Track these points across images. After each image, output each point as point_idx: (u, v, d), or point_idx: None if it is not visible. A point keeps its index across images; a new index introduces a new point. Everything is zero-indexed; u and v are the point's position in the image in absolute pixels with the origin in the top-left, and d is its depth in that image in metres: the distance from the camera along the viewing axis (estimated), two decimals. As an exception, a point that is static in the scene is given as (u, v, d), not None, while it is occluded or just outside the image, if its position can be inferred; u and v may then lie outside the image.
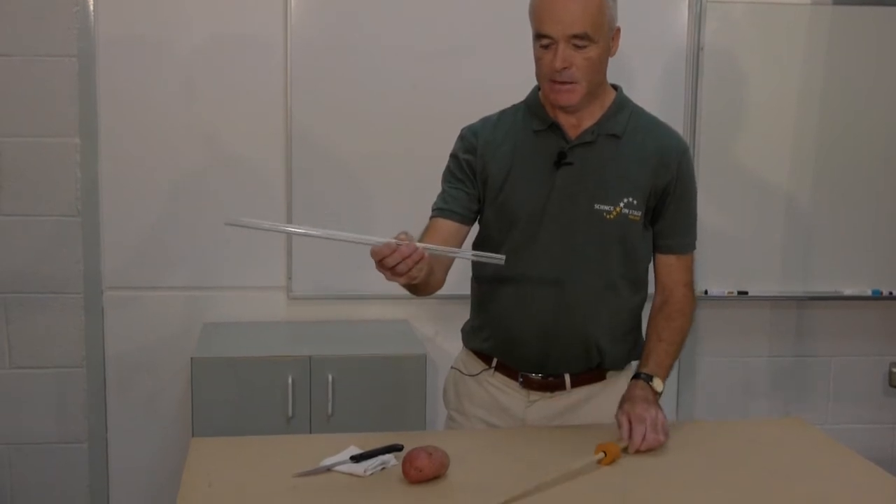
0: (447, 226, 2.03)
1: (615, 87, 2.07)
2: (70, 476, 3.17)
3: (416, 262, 1.71)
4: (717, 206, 3.17)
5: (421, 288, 1.92)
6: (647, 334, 2.08)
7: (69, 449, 3.16)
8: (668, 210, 2.04)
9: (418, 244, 1.71)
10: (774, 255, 3.32)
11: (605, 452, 1.81)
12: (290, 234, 1.73)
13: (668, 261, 2.08)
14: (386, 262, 1.70)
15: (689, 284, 2.10)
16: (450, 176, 2.08)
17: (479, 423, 2.12)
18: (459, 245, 2.05)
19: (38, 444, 3.14)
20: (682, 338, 2.07)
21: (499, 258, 1.84)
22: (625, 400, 1.94)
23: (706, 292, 3.26)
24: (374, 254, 1.70)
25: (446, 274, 2.01)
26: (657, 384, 1.97)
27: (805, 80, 3.24)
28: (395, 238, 1.71)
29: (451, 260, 1.99)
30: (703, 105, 3.21)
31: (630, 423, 1.87)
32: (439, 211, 2.05)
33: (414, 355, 2.88)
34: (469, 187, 2.05)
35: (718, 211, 3.18)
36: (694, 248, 2.10)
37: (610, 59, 1.99)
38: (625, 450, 1.85)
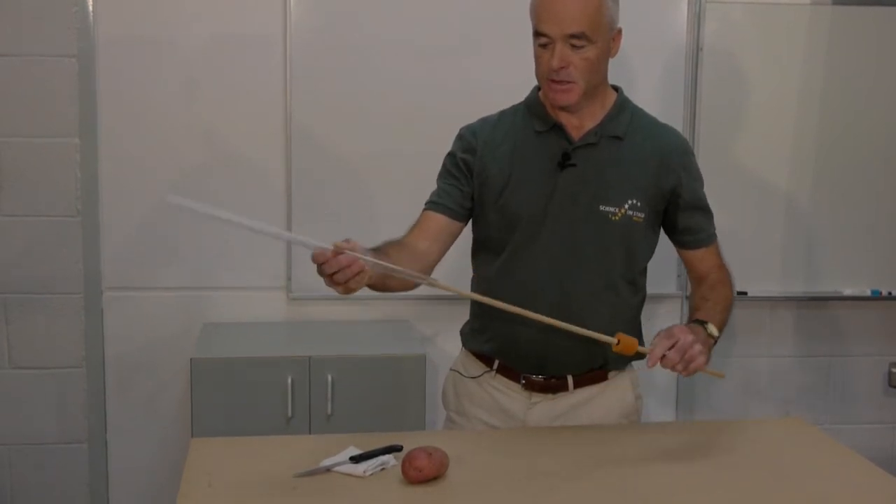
0: (437, 219, 2.03)
1: (616, 89, 2.07)
2: (70, 476, 3.17)
3: (356, 274, 1.67)
4: (716, 205, 3.12)
5: (380, 289, 1.88)
6: (690, 306, 2.06)
7: (69, 449, 3.16)
8: (684, 211, 2.06)
9: (359, 255, 1.67)
10: (774, 255, 3.32)
11: (619, 341, 1.80)
12: (229, 223, 1.65)
13: (697, 255, 2.11)
14: (324, 269, 1.66)
15: (723, 265, 2.12)
16: (445, 173, 2.08)
17: (480, 424, 2.11)
18: (450, 241, 2.04)
19: (38, 444, 3.14)
20: (728, 303, 2.04)
21: (427, 279, 1.78)
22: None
23: (706, 292, 3.25)
24: (314, 257, 1.66)
25: (427, 268, 1.98)
26: (711, 329, 1.91)
27: (805, 80, 3.24)
28: (340, 243, 1.67)
29: (432, 259, 1.98)
30: (702, 105, 3.21)
31: (660, 337, 1.80)
32: (431, 204, 2.05)
33: (413, 355, 2.88)
34: (464, 185, 2.05)
35: (718, 211, 3.14)
36: (716, 235, 2.12)
37: (610, 60, 1.99)
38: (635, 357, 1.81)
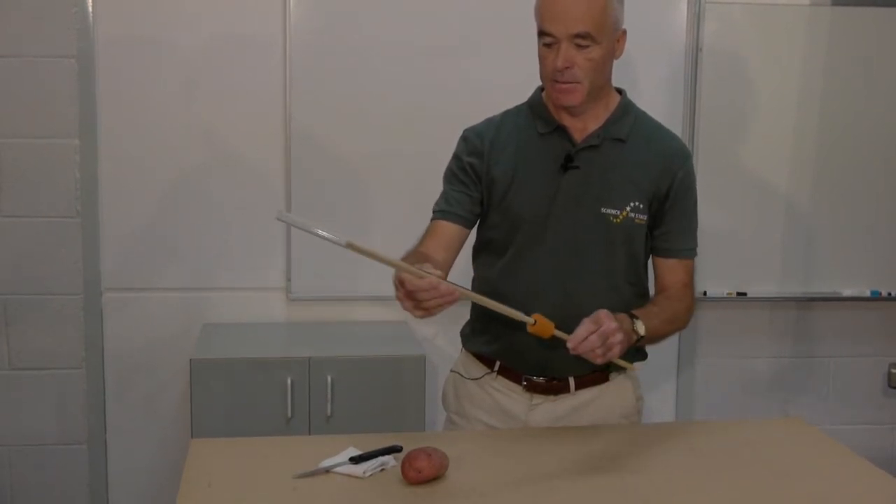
0: (449, 229, 2.02)
1: (619, 91, 2.06)
2: (70, 477, 3.16)
3: (449, 304, 1.68)
4: (716, 206, 3.16)
5: None
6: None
7: (69, 450, 3.16)
8: (668, 214, 2.03)
9: (452, 283, 1.67)
10: (774, 256, 3.32)
11: (536, 321, 1.78)
12: (333, 243, 1.64)
13: (669, 264, 2.07)
14: (419, 296, 1.67)
15: (690, 286, 2.08)
16: (452, 177, 2.07)
17: (480, 426, 2.11)
18: (461, 247, 2.04)
19: (38, 445, 3.14)
20: (674, 316, 2.01)
21: (529, 320, 1.79)
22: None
23: (705, 293, 3.25)
24: (408, 283, 1.66)
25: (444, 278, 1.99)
26: (639, 326, 1.89)
27: (805, 80, 3.24)
28: (423, 269, 1.67)
29: (447, 268, 1.98)
30: (702, 105, 3.20)
31: (584, 321, 1.77)
32: (442, 213, 2.04)
33: (413, 356, 2.88)
34: (472, 190, 2.04)
35: (718, 211, 3.18)
36: (695, 254, 2.09)
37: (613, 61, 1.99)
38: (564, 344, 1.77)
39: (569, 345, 1.76)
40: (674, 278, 2.06)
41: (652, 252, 2.08)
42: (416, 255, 1.92)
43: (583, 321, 1.77)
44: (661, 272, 2.08)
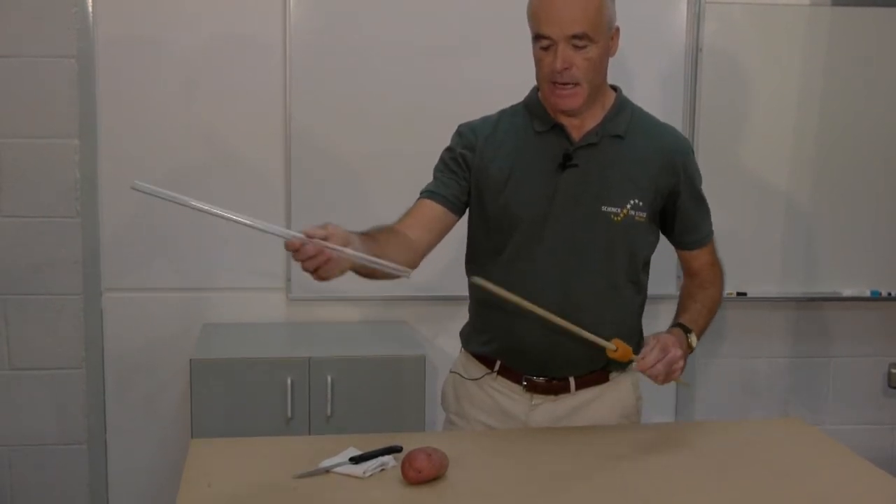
0: (433, 208, 2.00)
1: (614, 88, 2.07)
2: (69, 477, 3.16)
3: (323, 263, 1.63)
4: (716, 205, 3.12)
5: (364, 275, 1.80)
6: (679, 300, 2.11)
7: (69, 450, 3.16)
8: (682, 210, 2.06)
9: (326, 245, 1.61)
10: (774, 256, 3.32)
11: (617, 348, 1.87)
12: (194, 209, 1.60)
13: (693, 254, 2.13)
14: (295, 258, 1.64)
15: (716, 262, 2.15)
16: (443, 166, 2.07)
17: (480, 427, 2.11)
18: (443, 232, 2.02)
19: (38, 445, 3.14)
20: (714, 306, 2.09)
21: (405, 271, 1.72)
22: (662, 333, 1.93)
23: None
24: (286, 246, 1.63)
25: (416, 257, 1.93)
26: (693, 339, 1.98)
27: (805, 80, 3.24)
28: (314, 230, 1.62)
29: (422, 248, 1.95)
30: (702, 105, 3.21)
31: (654, 346, 1.86)
32: (428, 193, 2.03)
33: (413, 356, 2.88)
34: (461, 180, 2.04)
35: (718, 211, 3.14)
36: (713, 234, 2.14)
37: (609, 60, 1.99)
38: (629, 363, 1.92)
39: (635, 366, 1.88)
40: (700, 262, 2.13)
41: (676, 247, 2.14)
42: (385, 230, 1.89)
43: (650, 344, 1.86)
44: (687, 260, 2.15)
